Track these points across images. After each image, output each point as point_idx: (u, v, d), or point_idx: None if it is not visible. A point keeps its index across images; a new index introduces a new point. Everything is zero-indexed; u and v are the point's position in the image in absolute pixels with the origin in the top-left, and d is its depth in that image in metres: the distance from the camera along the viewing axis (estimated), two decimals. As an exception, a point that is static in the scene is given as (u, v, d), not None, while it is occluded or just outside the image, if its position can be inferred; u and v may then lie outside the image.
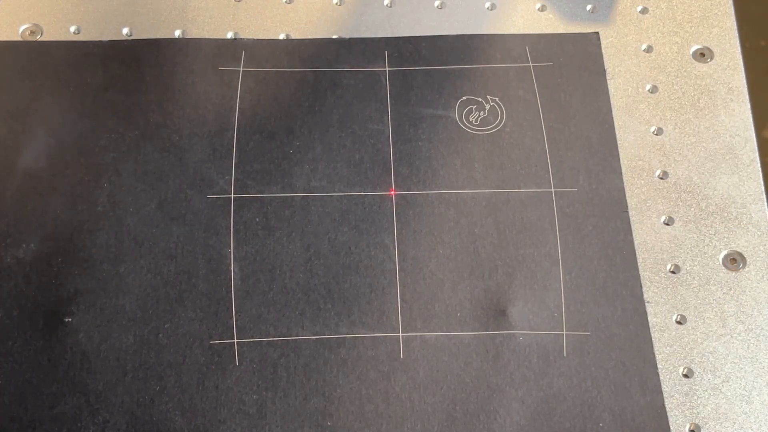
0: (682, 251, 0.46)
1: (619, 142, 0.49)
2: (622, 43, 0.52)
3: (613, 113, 0.50)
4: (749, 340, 0.44)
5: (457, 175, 0.48)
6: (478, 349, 0.44)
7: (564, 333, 0.44)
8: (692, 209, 0.48)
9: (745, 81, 0.51)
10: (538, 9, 0.53)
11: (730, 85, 0.51)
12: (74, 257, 0.44)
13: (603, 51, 0.52)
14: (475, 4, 0.53)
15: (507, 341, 0.44)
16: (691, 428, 0.42)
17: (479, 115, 0.49)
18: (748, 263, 0.46)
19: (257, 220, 0.46)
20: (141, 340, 0.43)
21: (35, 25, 0.51)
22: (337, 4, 0.53)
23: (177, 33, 0.51)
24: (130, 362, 0.42)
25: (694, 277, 0.46)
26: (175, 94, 0.49)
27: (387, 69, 0.50)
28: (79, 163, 0.47)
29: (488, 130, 0.49)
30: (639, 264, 0.46)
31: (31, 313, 0.43)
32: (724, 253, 0.46)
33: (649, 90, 0.51)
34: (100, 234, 0.45)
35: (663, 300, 0.45)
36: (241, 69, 0.50)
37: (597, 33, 0.52)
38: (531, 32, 0.52)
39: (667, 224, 0.47)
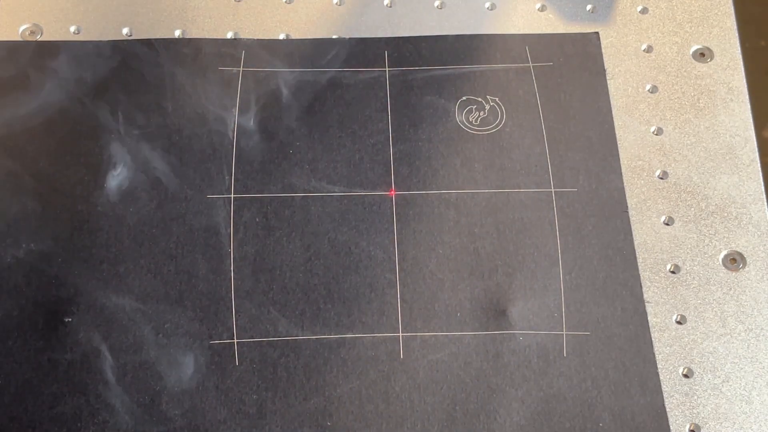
0: (682, 251, 0.46)
1: (619, 142, 0.49)
2: (622, 43, 0.52)
3: (613, 113, 0.50)
4: (749, 340, 0.44)
5: (457, 175, 0.48)
6: (478, 349, 0.44)
7: (564, 333, 0.44)
8: (692, 209, 0.48)
9: (745, 81, 0.51)
10: (538, 9, 0.53)
11: (730, 85, 0.51)
12: (74, 257, 0.44)
13: (603, 51, 0.52)
14: (475, 4, 0.53)
15: (507, 341, 0.44)
16: (691, 428, 0.42)
17: (479, 115, 0.49)
18: (748, 263, 0.46)
19: (257, 220, 0.46)
20: (141, 340, 0.43)
21: (35, 25, 0.51)
22: (337, 4, 0.53)
23: (177, 33, 0.51)
24: (130, 362, 0.42)
25: (694, 277, 0.46)
26: (175, 94, 0.49)
27: (387, 69, 0.50)
28: (79, 163, 0.47)
29: (488, 130, 0.49)
30: (639, 264, 0.46)
31: (31, 313, 0.43)
32: (724, 253, 0.46)
33: (649, 90, 0.51)
34: (100, 234, 0.45)
35: (663, 300, 0.45)
36: (241, 69, 0.50)
37: (597, 33, 0.52)
38: (531, 32, 0.52)
39: (667, 224, 0.47)
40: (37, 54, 0.50)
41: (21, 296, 0.44)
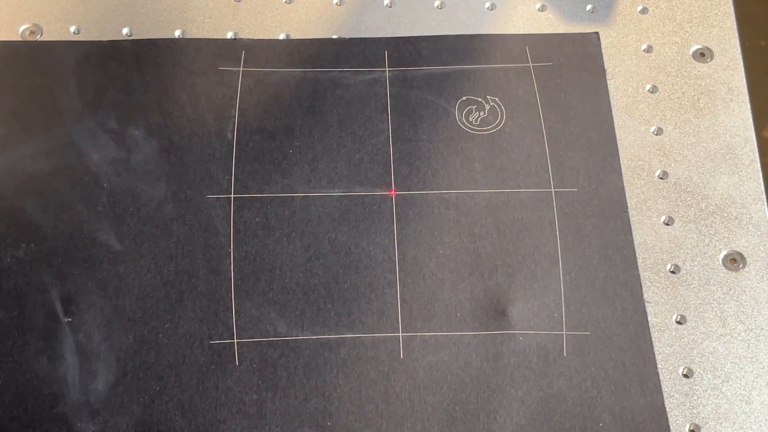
0: (682, 251, 0.46)
1: (619, 142, 0.49)
2: (622, 43, 0.52)
3: (613, 113, 0.50)
4: (749, 340, 0.44)
5: (457, 175, 0.48)
6: (478, 349, 0.44)
7: (564, 333, 0.44)
8: (692, 209, 0.48)
9: (745, 81, 0.51)
10: (538, 9, 0.53)
11: (730, 85, 0.51)
12: (74, 257, 0.44)
13: (603, 51, 0.52)
14: (475, 4, 0.53)
15: (507, 341, 0.44)
16: (691, 428, 0.42)
17: (479, 115, 0.49)
18: (748, 263, 0.46)
19: (257, 220, 0.46)
20: (141, 340, 0.43)
21: (35, 25, 0.51)
22: (337, 4, 0.53)
23: (177, 33, 0.51)
24: (130, 362, 0.42)
25: (694, 277, 0.46)
26: (175, 94, 0.49)
27: (387, 69, 0.50)
28: (79, 163, 0.47)
29: (488, 130, 0.49)
30: (639, 264, 0.46)
31: (31, 313, 0.43)
32: (724, 253, 0.46)
33: (649, 90, 0.51)
34: (100, 234, 0.45)
35: (663, 300, 0.45)
36: (241, 69, 0.50)
37: (597, 33, 0.52)
38: (531, 32, 0.52)
39: (667, 224, 0.47)
40: (37, 54, 0.50)
41: (21, 296, 0.44)
